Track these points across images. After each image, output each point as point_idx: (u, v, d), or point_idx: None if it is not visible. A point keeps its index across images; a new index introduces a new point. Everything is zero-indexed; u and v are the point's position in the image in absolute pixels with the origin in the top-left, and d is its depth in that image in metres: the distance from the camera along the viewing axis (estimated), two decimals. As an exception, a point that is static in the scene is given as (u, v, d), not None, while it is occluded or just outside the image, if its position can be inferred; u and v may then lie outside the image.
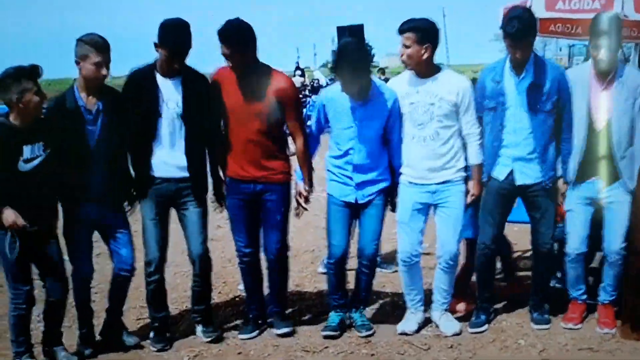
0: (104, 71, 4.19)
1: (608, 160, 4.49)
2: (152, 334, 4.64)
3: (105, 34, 4.25)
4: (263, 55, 4.48)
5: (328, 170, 4.69)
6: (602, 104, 4.47)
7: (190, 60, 4.42)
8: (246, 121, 4.42)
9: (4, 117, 4.06)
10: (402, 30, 4.44)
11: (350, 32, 14.49)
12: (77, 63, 4.19)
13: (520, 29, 4.31)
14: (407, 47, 4.42)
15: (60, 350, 4.37)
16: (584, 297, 4.76)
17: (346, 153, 4.56)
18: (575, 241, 4.65)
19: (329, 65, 5.32)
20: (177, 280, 5.76)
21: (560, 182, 4.62)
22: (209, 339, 4.63)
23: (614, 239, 4.56)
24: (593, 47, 4.42)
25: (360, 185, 4.58)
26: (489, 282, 4.88)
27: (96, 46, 4.15)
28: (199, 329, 4.71)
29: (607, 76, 4.43)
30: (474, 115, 4.54)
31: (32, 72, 4.00)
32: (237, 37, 4.33)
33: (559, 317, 4.81)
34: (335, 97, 4.57)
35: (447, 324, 4.75)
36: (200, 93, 4.43)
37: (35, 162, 4.05)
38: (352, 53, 4.42)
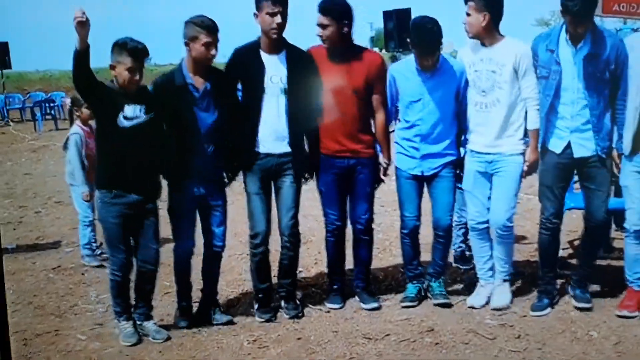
0: (213, 51, 4.27)
1: None
2: (256, 306, 4.74)
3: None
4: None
5: (396, 142, 4.84)
6: None
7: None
8: (344, 97, 4.56)
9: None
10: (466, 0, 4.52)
11: (397, 16, 14.28)
12: (187, 44, 4.28)
13: (582, 7, 4.19)
14: (468, 15, 4.53)
15: (151, 324, 4.44)
16: None
17: (414, 124, 4.69)
18: (632, 217, 4.48)
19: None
20: (232, 263, 5.72)
21: (615, 153, 4.49)
22: (290, 316, 4.68)
23: None
24: None
25: (425, 157, 4.70)
26: (552, 262, 4.79)
27: (206, 27, 4.24)
28: (282, 304, 4.77)
29: None
30: (533, 80, 4.52)
31: (134, 50, 4.11)
32: (341, 9, 4.51)
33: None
34: (404, 70, 4.73)
35: (499, 295, 4.78)
36: (304, 68, 4.51)
37: (135, 121, 4.16)
38: (429, 28, 4.51)
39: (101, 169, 4.34)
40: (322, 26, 4.50)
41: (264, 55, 4.45)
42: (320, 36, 4.54)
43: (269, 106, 4.44)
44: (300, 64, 4.49)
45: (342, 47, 4.57)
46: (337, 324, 4.62)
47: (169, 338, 4.37)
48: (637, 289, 4.57)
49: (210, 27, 4.24)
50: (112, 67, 4.14)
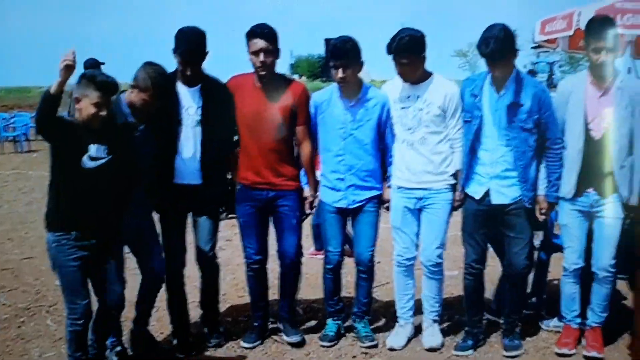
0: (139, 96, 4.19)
1: (605, 171, 4.34)
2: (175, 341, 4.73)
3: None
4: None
5: (322, 175, 4.78)
6: (600, 112, 4.32)
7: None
8: (265, 128, 4.52)
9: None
10: (396, 52, 4.42)
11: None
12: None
13: (495, 49, 4.22)
14: (406, 64, 4.44)
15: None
16: (579, 320, 4.63)
17: (338, 154, 4.63)
18: (572, 255, 4.52)
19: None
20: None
21: (542, 200, 4.49)
22: (213, 345, 4.71)
23: (605, 255, 4.44)
24: (593, 50, 4.26)
25: (350, 188, 4.63)
26: (477, 305, 4.76)
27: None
28: (206, 331, 4.80)
29: (604, 83, 4.31)
30: (460, 121, 4.53)
31: (103, 84, 3.81)
32: (276, 40, 4.47)
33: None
34: (326, 100, 4.66)
35: (430, 337, 4.74)
36: (219, 101, 4.51)
37: (99, 162, 3.87)
38: (348, 48, 4.47)
39: (58, 210, 3.91)
40: (264, 52, 4.41)
41: (180, 87, 4.43)
42: (257, 63, 4.44)
43: (185, 138, 4.43)
44: (215, 96, 4.48)
45: (269, 76, 4.51)
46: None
47: None
48: (575, 327, 4.63)
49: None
50: (77, 100, 3.81)
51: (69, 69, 3.55)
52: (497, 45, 4.20)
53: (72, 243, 3.85)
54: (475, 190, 4.49)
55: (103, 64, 7.92)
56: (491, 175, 4.43)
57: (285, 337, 4.78)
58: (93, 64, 7.77)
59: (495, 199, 4.44)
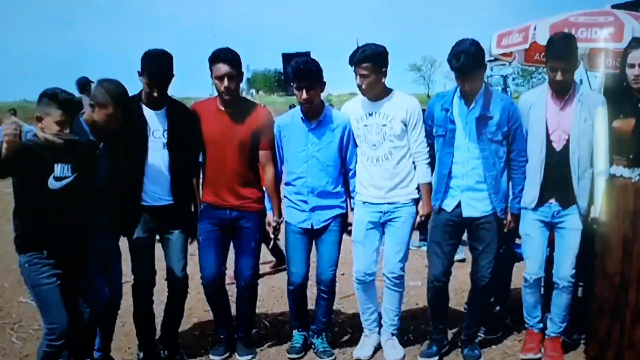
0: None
1: (566, 182, 4.40)
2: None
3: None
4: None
5: (285, 196, 4.76)
6: (560, 124, 4.40)
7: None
8: (228, 150, 4.53)
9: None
10: (357, 62, 4.46)
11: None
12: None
13: (466, 63, 4.28)
14: (366, 75, 4.47)
15: None
16: (540, 325, 4.69)
17: (301, 176, 4.64)
18: (533, 266, 4.56)
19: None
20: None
21: (507, 212, 4.55)
22: None
23: (565, 265, 4.50)
24: (550, 68, 4.35)
25: (315, 209, 4.64)
26: (442, 315, 4.79)
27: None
28: (165, 355, 4.71)
29: (564, 96, 4.39)
30: (422, 135, 4.58)
31: (66, 102, 3.78)
32: (240, 65, 4.50)
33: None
34: (288, 122, 4.70)
35: (390, 350, 4.75)
36: (185, 123, 4.52)
37: (64, 182, 3.84)
38: (311, 69, 4.52)
39: (26, 230, 3.86)
40: (228, 77, 4.42)
41: (145, 110, 4.41)
42: (221, 88, 4.44)
43: (153, 160, 4.41)
44: (180, 119, 4.50)
45: (233, 100, 4.53)
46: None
47: None
48: (537, 331, 4.69)
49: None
50: (39, 119, 3.77)
51: (12, 143, 3.57)
52: (468, 59, 4.26)
53: (45, 261, 3.81)
54: (447, 203, 4.51)
55: (93, 82, 7.83)
56: (463, 187, 4.47)
57: (237, 357, 4.77)
58: (84, 83, 7.68)
59: (467, 212, 4.48)
